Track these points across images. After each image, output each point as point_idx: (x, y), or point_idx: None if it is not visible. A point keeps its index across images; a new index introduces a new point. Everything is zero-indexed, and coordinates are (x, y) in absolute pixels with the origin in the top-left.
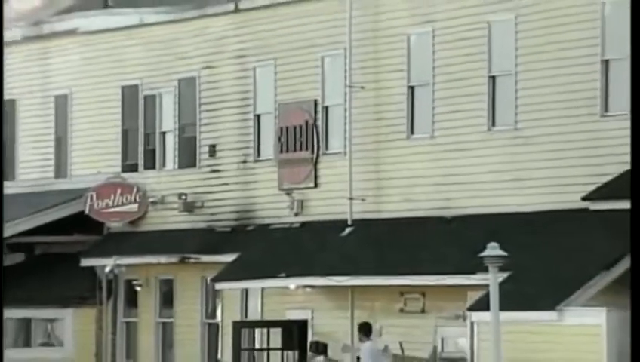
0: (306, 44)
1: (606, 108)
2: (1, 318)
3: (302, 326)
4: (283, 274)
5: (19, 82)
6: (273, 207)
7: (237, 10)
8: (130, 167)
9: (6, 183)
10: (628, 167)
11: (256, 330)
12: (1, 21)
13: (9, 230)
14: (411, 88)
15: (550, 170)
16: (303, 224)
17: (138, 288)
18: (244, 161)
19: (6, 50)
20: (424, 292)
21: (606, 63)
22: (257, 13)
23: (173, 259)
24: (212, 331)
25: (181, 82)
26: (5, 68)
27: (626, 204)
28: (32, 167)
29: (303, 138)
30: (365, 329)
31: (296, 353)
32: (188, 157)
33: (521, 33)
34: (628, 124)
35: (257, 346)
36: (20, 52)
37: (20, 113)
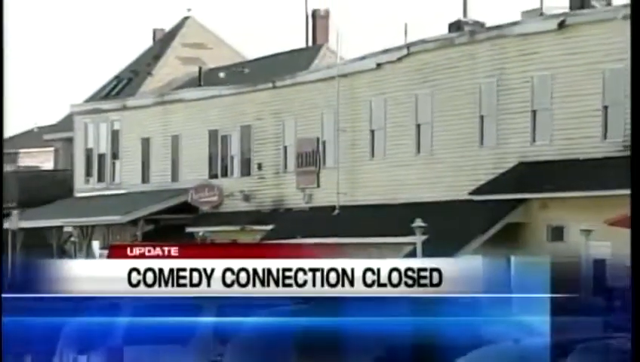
0: (312, 106)
1: (482, 142)
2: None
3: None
4: (300, 236)
5: (150, 127)
6: (294, 198)
7: (274, 87)
8: (213, 176)
9: (143, 184)
10: (494, 175)
11: None
12: (1, 21)
13: (143, 211)
14: (372, 131)
15: (451, 178)
16: (311, 208)
17: None
18: (277, 172)
19: (142, 111)
20: (380, 248)
21: (482, 117)
22: (286, 88)
23: (238, 228)
24: None
25: (242, 128)
26: (143, 122)
27: (493, 196)
28: (158, 175)
29: (311, 159)
30: None
31: None
32: (246, 170)
33: (435, 100)
34: (495, 151)
35: None
36: (151, 111)
37: (151, 146)
